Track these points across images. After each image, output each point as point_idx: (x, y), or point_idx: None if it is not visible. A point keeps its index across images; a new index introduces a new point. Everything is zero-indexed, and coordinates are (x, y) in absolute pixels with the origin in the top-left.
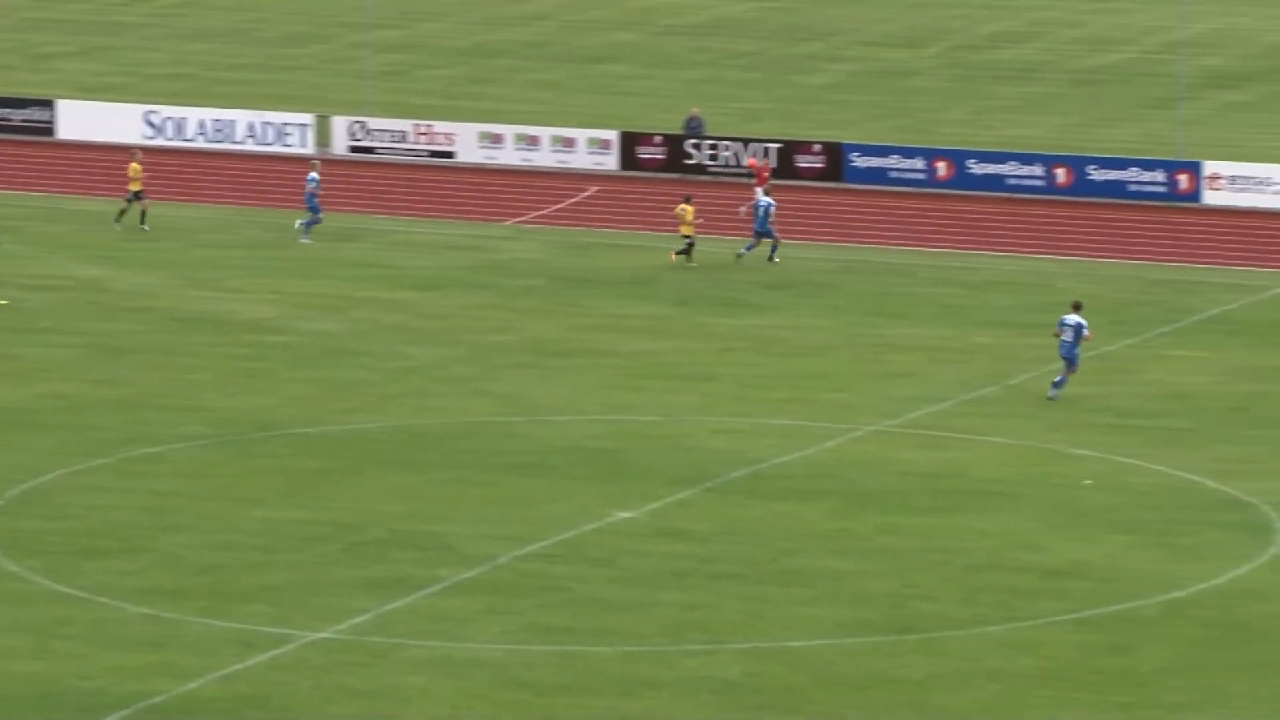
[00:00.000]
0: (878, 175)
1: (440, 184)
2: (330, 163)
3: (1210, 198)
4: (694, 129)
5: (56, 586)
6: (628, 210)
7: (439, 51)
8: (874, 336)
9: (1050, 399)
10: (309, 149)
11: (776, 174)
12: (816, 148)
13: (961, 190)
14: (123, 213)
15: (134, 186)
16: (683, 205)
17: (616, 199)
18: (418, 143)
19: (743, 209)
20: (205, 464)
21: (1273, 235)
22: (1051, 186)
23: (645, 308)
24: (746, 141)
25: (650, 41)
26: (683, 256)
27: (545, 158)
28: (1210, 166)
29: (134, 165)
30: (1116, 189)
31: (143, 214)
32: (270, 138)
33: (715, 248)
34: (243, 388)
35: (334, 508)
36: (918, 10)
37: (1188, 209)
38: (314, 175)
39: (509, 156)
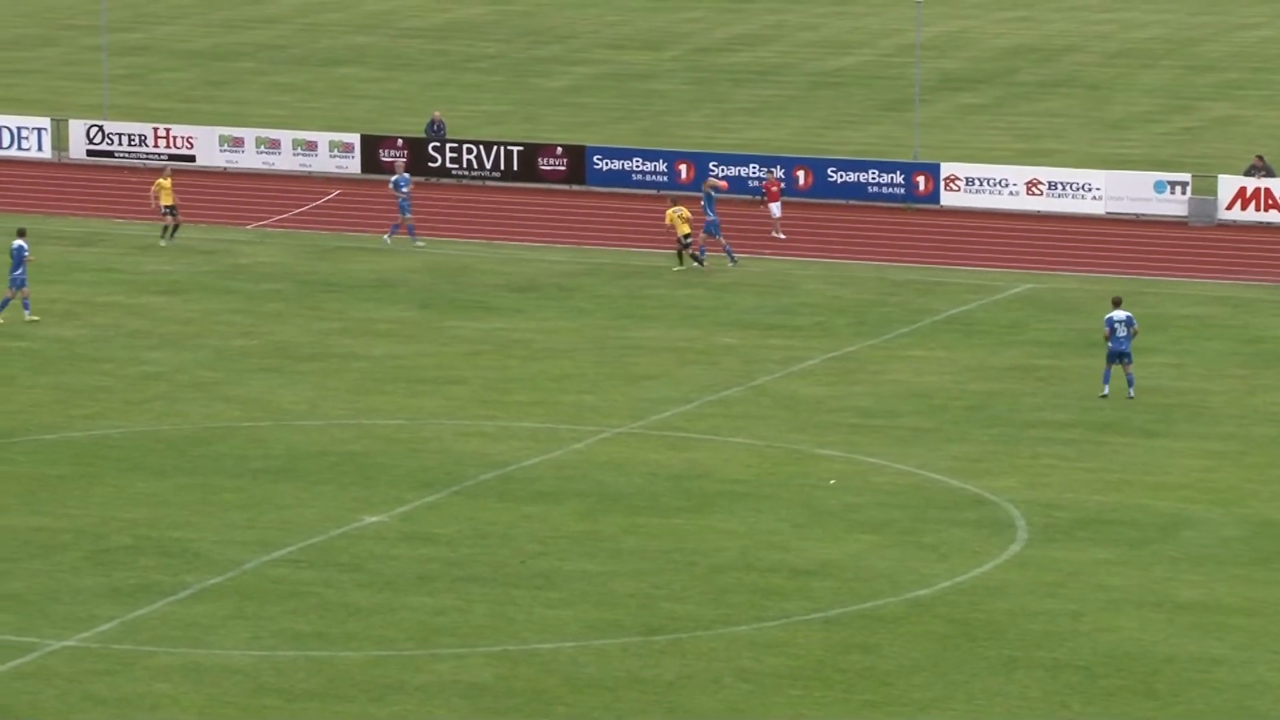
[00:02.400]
0: (620, 178)
1: (181, 187)
2: (68, 167)
3: (948, 199)
4: (436, 132)
5: None
6: (371, 213)
7: (176, 54)
8: (620, 339)
9: (1130, 399)
10: (46, 153)
11: (518, 176)
12: (559, 150)
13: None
14: (168, 229)
15: (166, 201)
16: (678, 207)
17: (359, 202)
18: (157, 146)
19: (780, 235)
20: None
21: (1009, 236)
22: (792, 188)
23: (390, 311)
24: (488, 145)
25: (389, 44)
26: (693, 260)
27: (287, 161)
28: (947, 168)
29: (162, 182)
30: (856, 190)
31: (173, 229)
32: (6, 141)
33: (453, 249)
34: None
35: (77, 515)
36: (655, 13)
37: (926, 210)
38: (405, 175)
39: (250, 160)
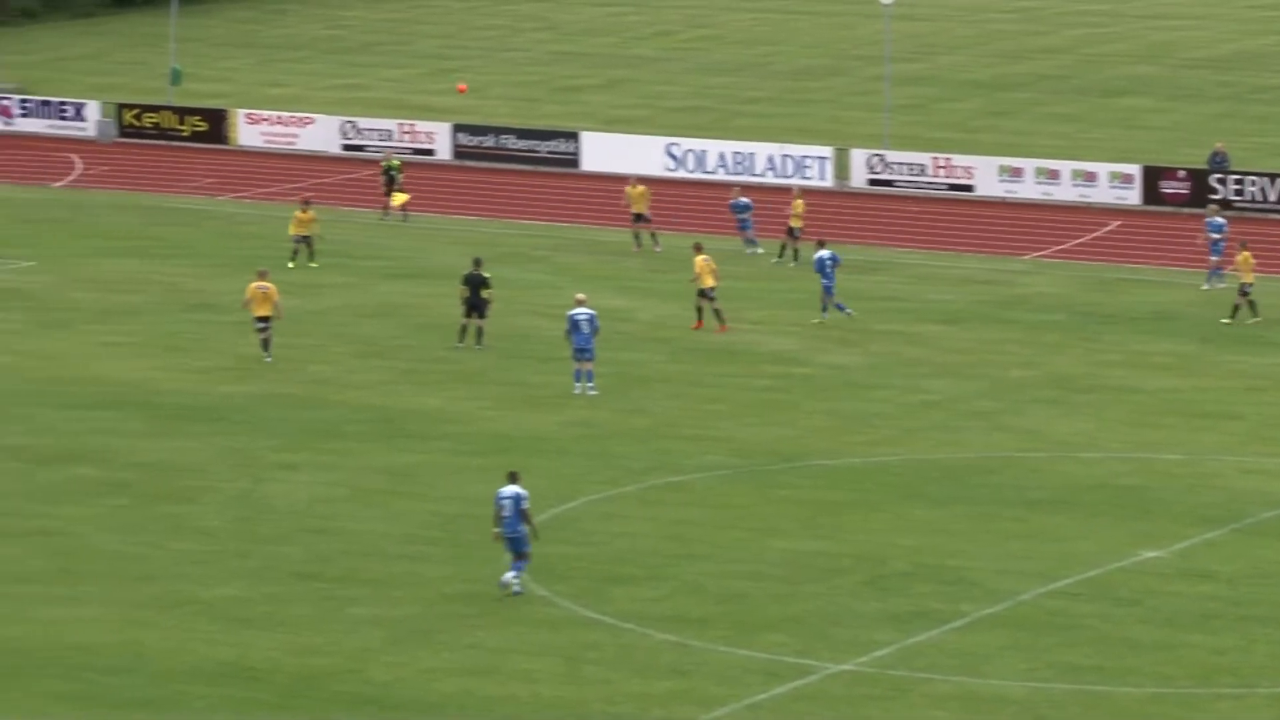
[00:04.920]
0: None
1: (959, 217)
2: (849, 195)
3: None
4: (1219, 164)
5: (584, 612)
6: (1151, 245)
7: (957, 84)
8: None
9: None
10: (828, 181)
11: None
12: None
13: None
14: (786, 248)
15: (794, 223)
16: (1243, 254)
17: (1139, 234)
18: (936, 176)
19: None
20: (726, 494)
21: None
22: None
23: (1168, 344)
24: (1273, 177)
25: (1171, 75)
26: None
27: (1065, 192)
28: None
29: (798, 202)
30: None
31: (793, 250)
32: (790, 170)
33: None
34: (763, 419)
35: (856, 540)
36: None
37: None
38: (1218, 220)
39: (1028, 190)
